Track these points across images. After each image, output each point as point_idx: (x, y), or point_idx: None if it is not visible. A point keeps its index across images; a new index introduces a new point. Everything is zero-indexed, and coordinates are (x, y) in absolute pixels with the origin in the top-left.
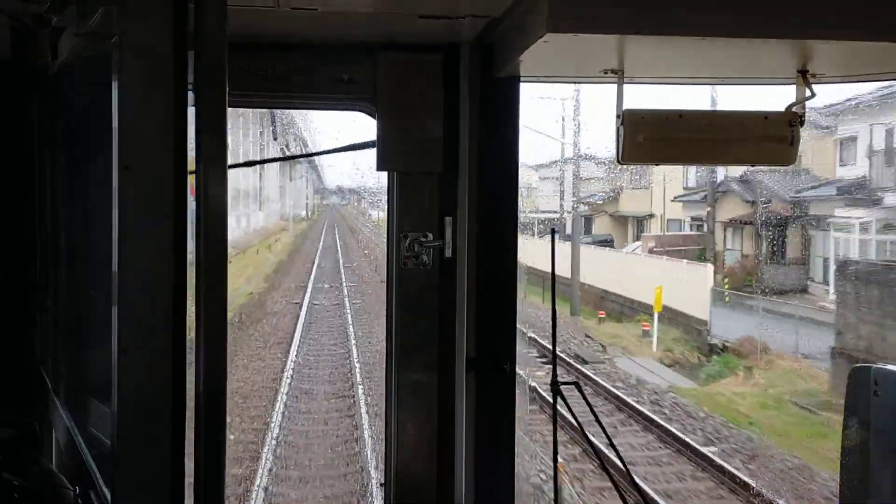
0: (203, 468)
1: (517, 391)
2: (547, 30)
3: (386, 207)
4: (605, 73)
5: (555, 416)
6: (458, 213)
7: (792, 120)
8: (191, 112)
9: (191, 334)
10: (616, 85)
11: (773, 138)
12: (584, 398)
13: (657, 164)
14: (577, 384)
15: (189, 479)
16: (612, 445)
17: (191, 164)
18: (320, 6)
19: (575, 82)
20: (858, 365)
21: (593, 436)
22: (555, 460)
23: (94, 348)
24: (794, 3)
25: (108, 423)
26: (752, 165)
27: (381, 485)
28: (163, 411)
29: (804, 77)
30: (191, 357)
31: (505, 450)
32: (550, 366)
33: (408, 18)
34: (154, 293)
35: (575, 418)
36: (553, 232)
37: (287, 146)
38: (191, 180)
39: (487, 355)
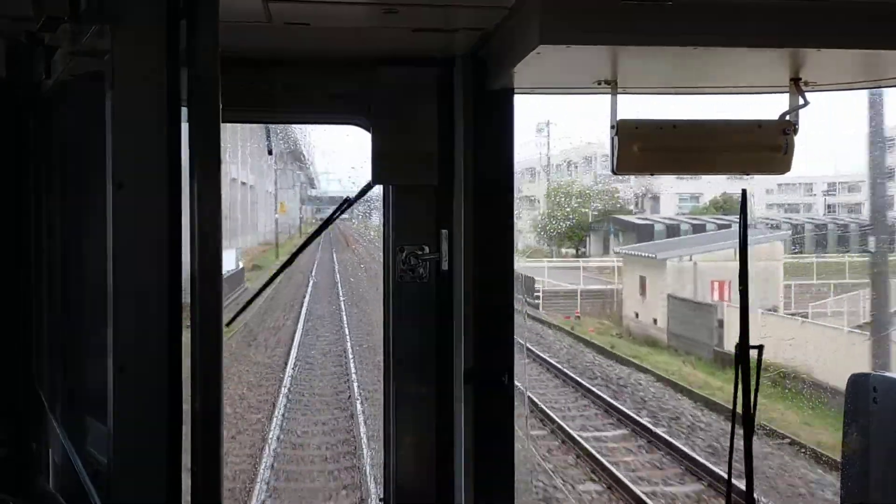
0: (200, 486)
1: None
2: (540, 41)
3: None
4: (599, 83)
5: (736, 376)
6: (453, 226)
7: (786, 128)
8: (184, 128)
9: (186, 352)
10: (609, 96)
11: (767, 147)
12: (759, 364)
13: (652, 174)
14: (760, 346)
15: (186, 496)
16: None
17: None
18: (313, 21)
19: (568, 93)
20: (857, 372)
21: None
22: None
23: (90, 367)
24: (785, 12)
25: (105, 442)
26: (747, 174)
27: (380, 500)
28: (159, 430)
29: (797, 85)
30: (186, 375)
31: (504, 461)
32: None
33: (402, 32)
34: (149, 311)
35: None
36: None
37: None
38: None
39: (485, 367)
